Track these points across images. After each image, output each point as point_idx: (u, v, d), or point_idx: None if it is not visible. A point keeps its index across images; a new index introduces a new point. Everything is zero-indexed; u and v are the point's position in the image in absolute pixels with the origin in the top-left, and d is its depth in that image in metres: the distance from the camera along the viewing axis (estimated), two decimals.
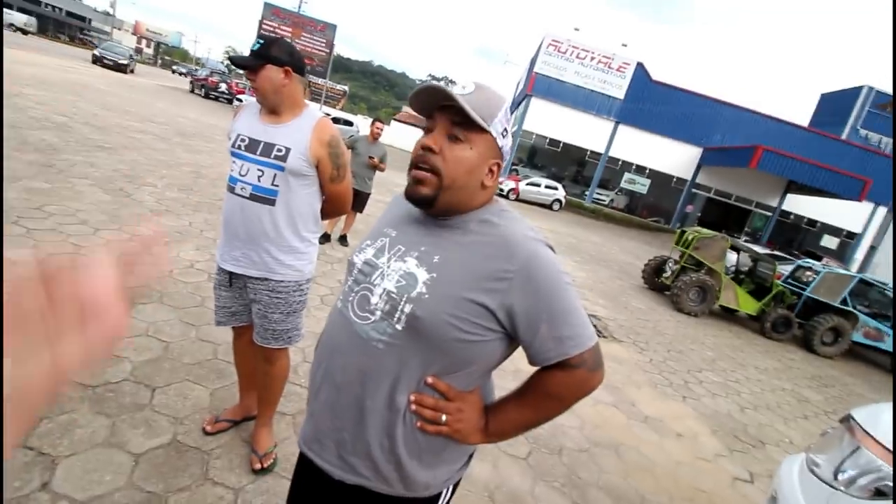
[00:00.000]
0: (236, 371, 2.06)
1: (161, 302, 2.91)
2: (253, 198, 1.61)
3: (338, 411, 0.87)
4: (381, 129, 5.24)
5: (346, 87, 38.11)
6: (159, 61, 48.30)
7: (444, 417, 0.84)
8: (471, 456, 0.97)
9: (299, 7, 31.13)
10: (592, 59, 22.19)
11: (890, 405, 1.68)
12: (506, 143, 0.86)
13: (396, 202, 1.03)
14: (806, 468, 1.57)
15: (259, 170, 1.60)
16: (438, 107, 0.84)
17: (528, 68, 26.21)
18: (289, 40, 1.61)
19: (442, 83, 0.85)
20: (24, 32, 34.02)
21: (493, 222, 0.86)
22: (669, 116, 22.37)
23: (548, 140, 23.47)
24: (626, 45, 23.59)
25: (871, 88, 26.20)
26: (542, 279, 0.80)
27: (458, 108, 0.80)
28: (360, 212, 5.59)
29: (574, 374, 0.83)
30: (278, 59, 1.58)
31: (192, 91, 24.68)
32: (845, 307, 7.43)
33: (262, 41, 1.57)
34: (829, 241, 23.24)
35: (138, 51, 40.17)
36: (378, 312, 0.83)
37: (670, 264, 8.44)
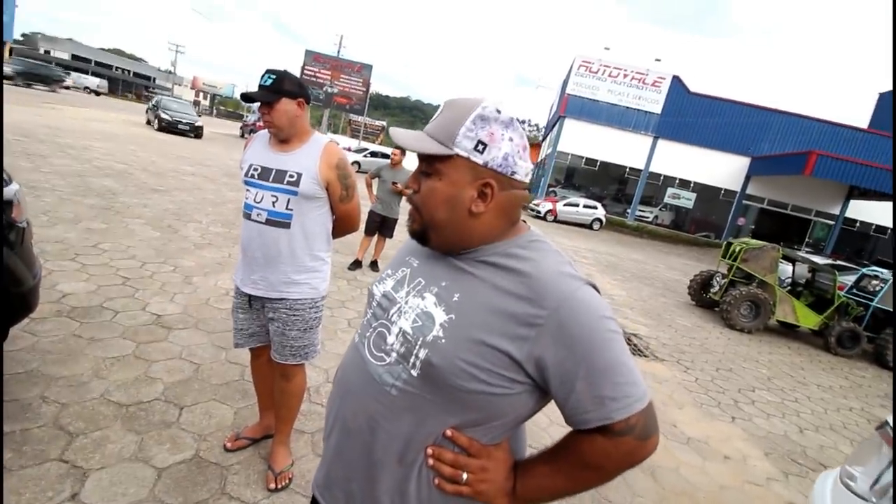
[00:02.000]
0: (255, 391, 2.13)
1: (196, 327, 3.08)
2: (269, 223, 1.71)
3: (347, 459, 0.80)
4: (398, 155, 5.41)
5: (385, 123, 39.67)
6: (215, 111, 52.56)
7: (465, 476, 0.74)
8: None
9: (338, 52, 33.13)
10: (625, 76, 21.97)
11: None
12: (492, 157, 0.73)
13: None
14: (839, 482, 1.41)
15: (273, 196, 1.69)
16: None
17: (560, 91, 26.31)
18: (293, 74, 1.74)
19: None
20: (97, 94, 38.19)
21: (521, 256, 0.75)
22: (712, 127, 21.60)
23: (584, 160, 23.20)
24: (659, 60, 23.25)
25: None
26: (579, 327, 0.68)
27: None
28: (390, 237, 5.72)
29: (619, 443, 0.70)
30: (292, 92, 1.66)
31: (242, 136, 26.53)
32: None
33: (273, 76, 1.64)
34: None
35: (196, 103, 43.91)
36: (393, 354, 0.76)
37: (718, 278, 7.98)
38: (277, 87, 1.63)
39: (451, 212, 0.76)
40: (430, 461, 0.74)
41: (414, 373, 0.73)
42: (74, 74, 38.79)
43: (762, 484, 2.85)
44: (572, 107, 22.39)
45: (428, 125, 0.78)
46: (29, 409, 1.98)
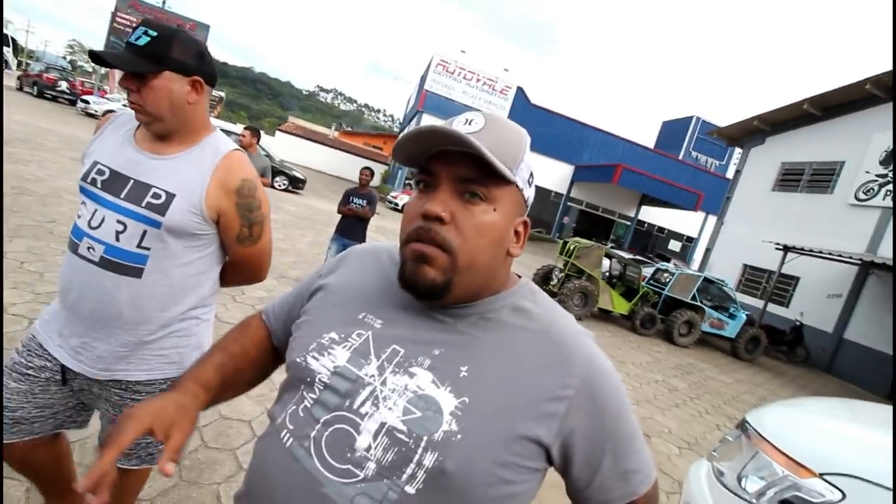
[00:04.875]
0: (28, 478, 1.28)
1: None
2: (105, 264, 1.06)
3: None
4: (252, 139, 4.66)
5: (223, 94, 35.09)
6: None
7: None
8: None
9: (164, 2, 27.98)
10: (478, 80, 23.45)
11: (779, 407, 1.86)
12: (531, 193, 0.64)
13: (359, 261, 0.72)
14: (714, 478, 1.65)
15: (120, 222, 1.05)
16: (436, 154, 0.58)
17: (418, 85, 26.80)
18: (191, 33, 1.12)
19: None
20: None
21: (529, 311, 0.63)
22: (547, 137, 24.51)
23: None
24: (507, 70, 25.38)
25: (698, 118, 31.92)
26: (607, 396, 0.59)
27: (472, 156, 0.56)
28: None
29: None
30: (183, 63, 1.05)
31: (20, 89, 20.52)
32: (695, 302, 8.66)
33: (153, 32, 1.02)
34: (675, 245, 27.35)
35: None
36: (371, 465, 0.53)
37: (556, 273, 9.09)
38: (159, 52, 1.02)
39: (496, 252, 0.60)
40: None
41: (411, 489, 0.52)
42: None
43: None
44: (430, 103, 23.02)
45: (472, 133, 0.57)
46: None
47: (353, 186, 5.07)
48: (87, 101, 18.65)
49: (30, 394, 1.12)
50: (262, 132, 5.14)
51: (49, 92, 20.30)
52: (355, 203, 4.89)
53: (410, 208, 0.61)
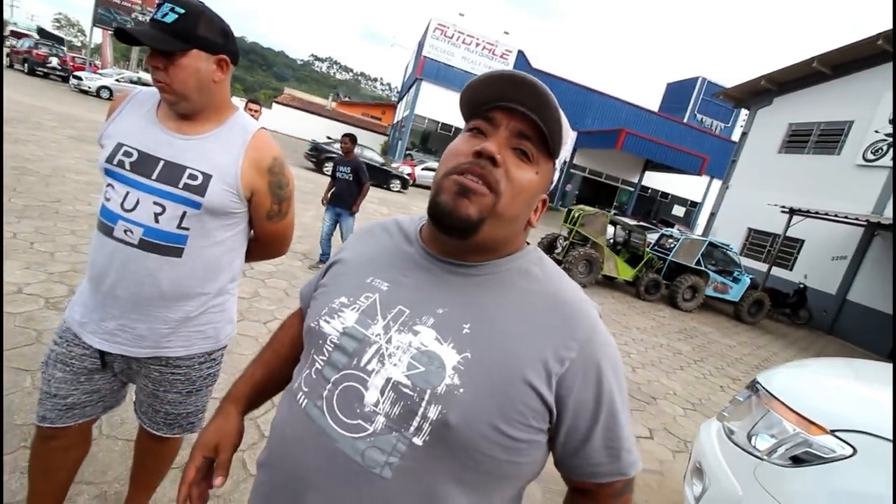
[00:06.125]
0: (31, 485, 1.25)
1: None
2: (145, 246, 1.07)
3: None
4: (258, 112, 4.69)
5: None
6: None
7: None
8: None
9: None
10: (478, 44, 22.73)
11: (789, 367, 1.90)
12: (557, 178, 0.68)
13: (370, 234, 0.76)
14: (725, 437, 1.70)
15: (158, 204, 1.06)
16: (503, 107, 0.61)
17: (416, 52, 26.04)
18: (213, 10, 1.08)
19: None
20: None
21: (535, 275, 0.64)
22: None
23: (440, 125, 23.67)
24: (507, 34, 24.56)
25: (704, 79, 30.98)
26: (607, 366, 0.60)
27: (531, 119, 0.60)
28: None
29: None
30: (210, 41, 1.05)
31: (10, 66, 20.04)
32: (699, 267, 8.68)
33: (181, 9, 1.01)
34: (678, 211, 27.16)
35: None
36: (380, 419, 0.56)
37: (560, 241, 9.09)
38: (186, 30, 1.01)
39: (525, 211, 0.63)
40: None
41: (418, 441, 0.55)
42: None
43: None
44: (429, 70, 22.41)
45: (530, 107, 0.60)
46: None
47: (339, 157, 5.07)
48: (79, 78, 18.25)
49: (76, 381, 1.17)
50: (261, 105, 5.07)
51: (40, 69, 19.84)
52: (341, 172, 4.95)
53: (458, 145, 0.62)
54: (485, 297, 0.61)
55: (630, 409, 3.50)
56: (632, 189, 26.35)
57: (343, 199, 4.96)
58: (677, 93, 33.03)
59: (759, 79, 12.84)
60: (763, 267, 11.07)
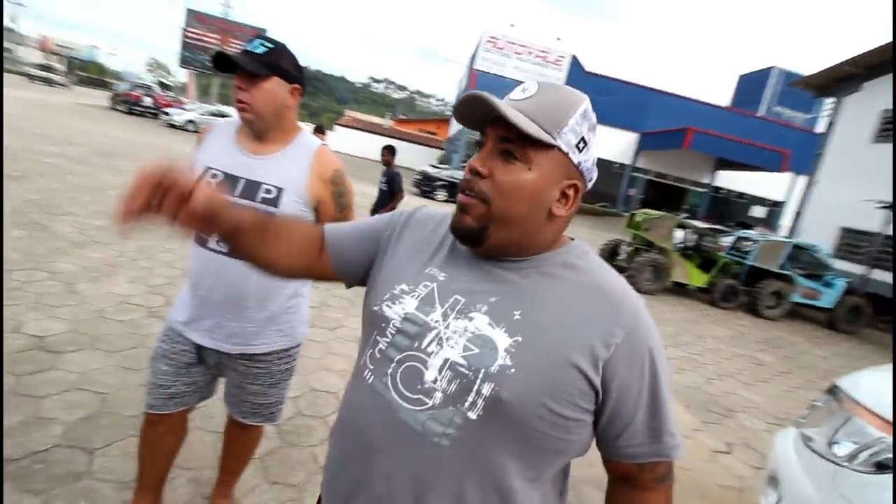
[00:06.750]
0: (140, 464, 1.47)
1: (93, 348, 2.56)
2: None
3: None
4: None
5: None
6: (74, 78, 44.56)
7: None
8: None
9: (226, 13, 29.67)
10: (530, 53, 22.70)
11: (873, 372, 1.73)
12: (585, 158, 0.66)
13: (427, 222, 0.79)
14: (802, 444, 1.58)
15: None
16: (490, 118, 0.65)
17: (468, 66, 26.42)
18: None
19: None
20: None
21: (581, 267, 0.68)
22: (606, 105, 23.20)
23: None
24: (560, 39, 24.31)
25: (779, 69, 28.61)
26: (650, 351, 0.63)
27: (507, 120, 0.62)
28: None
29: (665, 490, 0.68)
30: (288, 73, 1.24)
31: (113, 108, 22.87)
32: (783, 271, 7.95)
33: (269, 45, 1.21)
34: (758, 211, 25.05)
35: (46, 68, 36.65)
36: (438, 395, 0.61)
37: (624, 247, 8.73)
38: (272, 61, 1.20)
39: (531, 209, 0.65)
40: None
41: (473, 415, 0.60)
42: None
43: (689, 435, 3.17)
44: (481, 82, 22.64)
45: (519, 102, 0.64)
46: None
47: (385, 169, 5.37)
48: (167, 114, 20.53)
49: (177, 374, 1.36)
50: (325, 129, 5.50)
51: (136, 108, 22.46)
52: (381, 182, 5.25)
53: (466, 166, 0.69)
54: (534, 287, 0.66)
55: (704, 422, 3.32)
56: (703, 190, 24.76)
57: (380, 207, 5.26)
58: (750, 85, 30.72)
59: (842, 64, 11.66)
60: (859, 270, 9.91)
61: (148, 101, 22.87)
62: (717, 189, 24.99)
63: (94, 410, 2.08)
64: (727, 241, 9.27)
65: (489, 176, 0.64)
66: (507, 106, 0.61)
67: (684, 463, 2.80)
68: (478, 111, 0.65)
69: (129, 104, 22.43)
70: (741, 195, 25.28)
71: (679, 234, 8.96)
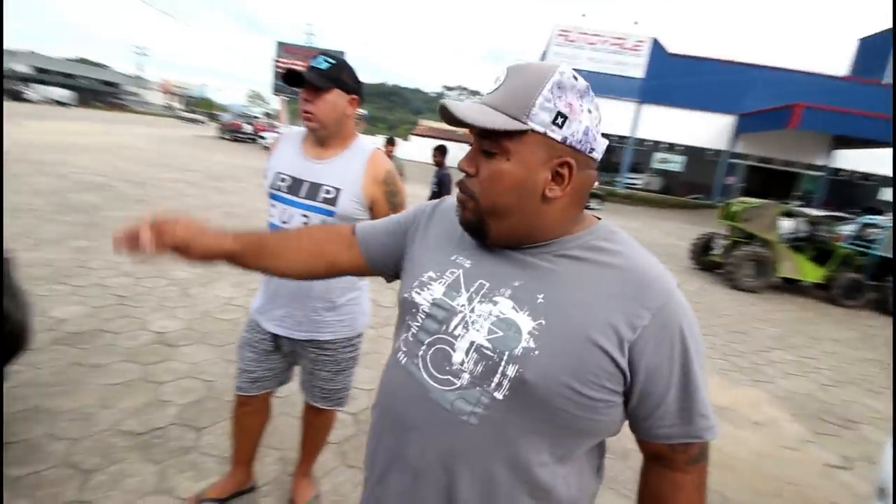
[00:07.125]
0: (233, 439, 1.70)
1: (202, 342, 2.94)
2: None
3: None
4: (394, 147, 5.53)
5: (365, 112, 39.06)
6: (205, 115, 51.53)
7: None
8: None
9: (309, 41, 32.28)
10: (604, 42, 21.72)
11: None
12: (571, 132, 0.62)
13: (453, 211, 0.79)
14: None
15: (304, 215, 1.37)
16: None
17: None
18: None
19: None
20: (66, 105, 37.23)
21: (608, 249, 0.66)
22: (695, 88, 21.46)
23: None
24: (637, 23, 22.94)
25: None
26: (680, 330, 0.62)
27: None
28: None
29: (699, 471, 0.67)
30: (348, 85, 1.37)
31: (221, 137, 25.87)
32: None
33: (332, 61, 1.34)
34: (890, 194, 21.41)
35: (169, 108, 42.63)
36: (465, 376, 0.64)
37: (719, 240, 7.97)
38: (333, 74, 1.33)
39: (521, 198, 0.65)
40: None
41: (499, 395, 0.62)
42: (39, 87, 37.57)
43: (797, 447, 2.82)
44: None
45: (488, 96, 0.64)
46: (37, 450, 1.85)
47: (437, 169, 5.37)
48: (263, 137, 22.81)
49: (259, 360, 1.53)
50: (396, 139, 5.79)
51: (239, 135, 25.21)
52: (432, 183, 5.27)
53: None
54: (557, 270, 0.66)
55: (816, 433, 2.93)
56: (818, 174, 21.80)
57: None
58: (873, 49, 26.28)
59: None
60: None
61: (248, 128, 25.58)
62: (837, 171, 21.85)
63: (202, 395, 2.39)
64: (848, 229, 8.04)
65: (476, 174, 0.67)
66: (465, 107, 0.62)
67: (788, 476, 2.49)
68: (454, 117, 0.65)
69: (233, 132, 25.26)
70: (867, 176, 21.84)
71: (786, 224, 7.96)
